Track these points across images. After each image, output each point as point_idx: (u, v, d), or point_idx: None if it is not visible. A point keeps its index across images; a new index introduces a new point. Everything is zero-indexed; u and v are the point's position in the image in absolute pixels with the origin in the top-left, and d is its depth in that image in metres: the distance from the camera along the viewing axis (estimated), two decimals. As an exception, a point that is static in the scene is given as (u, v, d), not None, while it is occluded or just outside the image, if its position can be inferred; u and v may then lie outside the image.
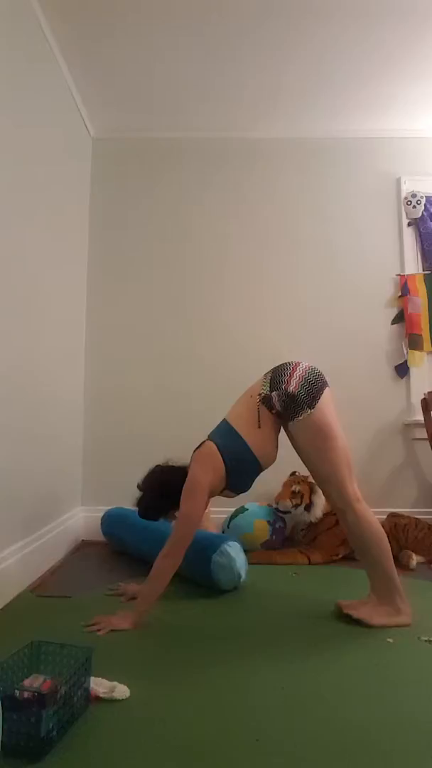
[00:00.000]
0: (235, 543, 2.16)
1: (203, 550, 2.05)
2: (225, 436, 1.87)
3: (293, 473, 2.78)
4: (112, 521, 2.72)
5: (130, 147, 3.29)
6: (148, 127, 3.24)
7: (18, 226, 2.14)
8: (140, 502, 1.96)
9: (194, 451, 1.90)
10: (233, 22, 2.41)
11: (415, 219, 3.21)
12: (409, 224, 3.23)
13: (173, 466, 1.96)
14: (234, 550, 2.09)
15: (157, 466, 1.99)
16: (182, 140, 3.29)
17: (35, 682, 1.22)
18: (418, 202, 3.18)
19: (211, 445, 1.86)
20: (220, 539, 2.14)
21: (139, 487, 1.97)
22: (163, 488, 1.91)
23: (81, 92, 2.91)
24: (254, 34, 2.48)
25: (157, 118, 3.17)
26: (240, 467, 1.85)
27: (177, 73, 2.77)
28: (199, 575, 2.09)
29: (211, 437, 1.91)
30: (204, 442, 1.90)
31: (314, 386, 1.80)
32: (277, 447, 1.92)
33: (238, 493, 1.93)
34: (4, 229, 2.01)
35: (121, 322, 3.19)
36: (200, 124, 3.21)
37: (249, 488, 1.95)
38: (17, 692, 1.09)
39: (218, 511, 2.69)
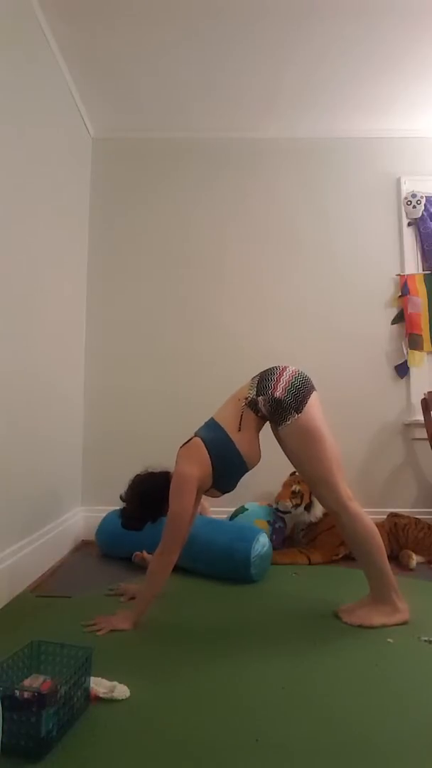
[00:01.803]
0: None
1: (242, 540, 2.23)
2: (211, 432, 1.88)
3: (293, 473, 2.78)
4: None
5: (130, 147, 3.29)
6: (149, 127, 3.24)
7: (18, 226, 2.14)
8: (122, 513, 1.96)
9: (181, 447, 1.90)
10: (233, 22, 2.41)
11: (415, 219, 3.21)
12: (409, 224, 3.23)
13: (152, 473, 1.96)
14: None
15: (136, 475, 1.98)
16: (182, 140, 3.29)
17: (35, 682, 1.22)
18: (418, 202, 3.18)
19: (197, 440, 1.87)
20: (256, 531, 2.33)
21: (121, 498, 1.96)
22: (144, 497, 1.90)
23: (81, 92, 2.91)
24: (254, 34, 2.48)
25: (157, 118, 3.16)
26: (225, 463, 1.85)
27: (177, 73, 2.77)
28: (234, 560, 2.18)
29: (197, 433, 1.92)
30: (191, 438, 1.91)
31: (300, 391, 1.81)
32: (259, 448, 1.93)
33: (223, 493, 1.93)
34: (3, 229, 2.01)
35: (121, 321, 3.19)
36: (200, 124, 3.22)
37: (233, 488, 1.94)
38: (17, 692, 1.09)
39: (218, 511, 2.69)
